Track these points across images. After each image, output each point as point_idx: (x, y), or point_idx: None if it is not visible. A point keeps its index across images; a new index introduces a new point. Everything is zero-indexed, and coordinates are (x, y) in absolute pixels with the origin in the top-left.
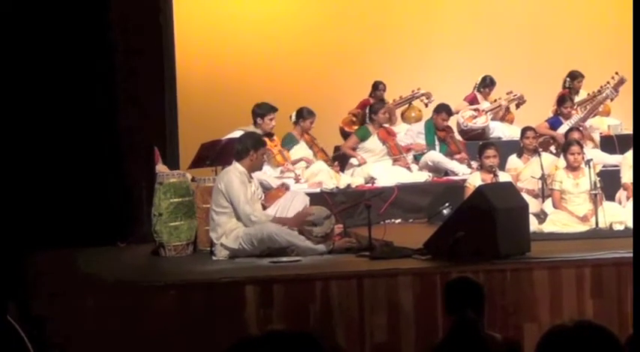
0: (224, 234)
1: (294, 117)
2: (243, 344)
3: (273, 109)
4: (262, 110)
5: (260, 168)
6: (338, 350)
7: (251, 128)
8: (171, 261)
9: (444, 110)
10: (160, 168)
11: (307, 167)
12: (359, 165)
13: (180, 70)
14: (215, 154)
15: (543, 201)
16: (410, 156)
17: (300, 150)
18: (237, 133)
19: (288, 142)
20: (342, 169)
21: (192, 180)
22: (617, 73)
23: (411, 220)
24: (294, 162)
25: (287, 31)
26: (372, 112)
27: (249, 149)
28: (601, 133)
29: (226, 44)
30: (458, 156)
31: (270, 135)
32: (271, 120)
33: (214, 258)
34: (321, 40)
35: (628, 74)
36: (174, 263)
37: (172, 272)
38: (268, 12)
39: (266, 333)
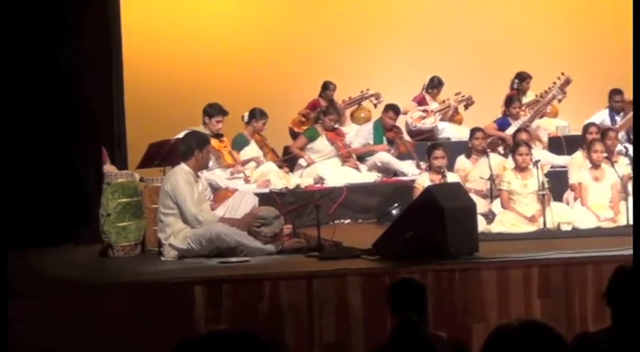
0: (172, 234)
1: (246, 118)
2: (187, 344)
3: (222, 112)
4: (212, 111)
5: (206, 167)
6: (282, 349)
7: (199, 128)
8: (119, 262)
9: (390, 109)
10: (108, 168)
11: (257, 167)
12: (307, 165)
13: (128, 70)
14: (163, 154)
15: (492, 202)
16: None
17: (251, 150)
18: (185, 133)
19: (239, 143)
20: (292, 170)
21: (141, 180)
22: (563, 74)
23: (360, 220)
24: (244, 163)
25: (236, 32)
26: (324, 114)
27: (193, 149)
28: (549, 134)
29: (175, 44)
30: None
31: (219, 135)
32: (218, 122)
33: (163, 258)
34: (271, 40)
35: (574, 74)
36: (123, 263)
37: (120, 272)
38: (217, 12)
39: (209, 333)
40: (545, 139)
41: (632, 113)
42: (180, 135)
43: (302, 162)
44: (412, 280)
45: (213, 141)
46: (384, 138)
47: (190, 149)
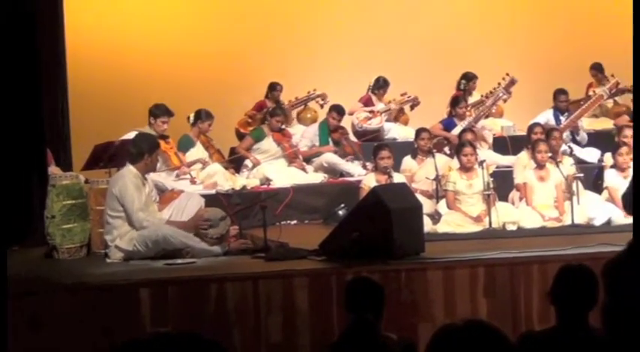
0: (119, 236)
1: (192, 119)
2: (130, 346)
3: (168, 113)
4: (158, 111)
5: (154, 170)
6: (228, 351)
7: (146, 129)
8: (64, 264)
9: (334, 110)
10: (53, 170)
11: (203, 169)
12: (253, 166)
13: (72, 71)
14: (109, 156)
15: (437, 202)
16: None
17: (197, 151)
18: (131, 134)
19: (185, 144)
20: (238, 171)
21: (86, 181)
22: (507, 74)
23: (306, 221)
24: (190, 164)
25: (182, 32)
26: (270, 115)
27: (144, 152)
28: (494, 134)
29: (119, 44)
30: (352, 157)
31: (165, 137)
32: (163, 123)
33: (108, 260)
34: (217, 40)
35: (519, 75)
36: (68, 265)
37: (66, 275)
38: (162, 13)
39: (153, 335)
40: (490, 140)
41: (577, 112)
42: (126, 136)
43: (248, 163)
44: (371, 280)
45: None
46: (330, 139)
47: (141, 152)
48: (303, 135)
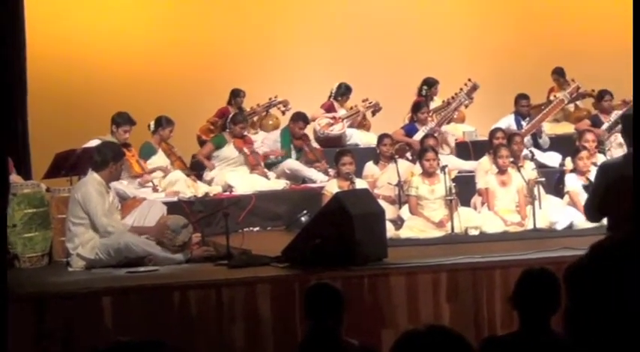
0: (80, 244)
1: (152, 126)
2: None
3: (130, 122)
4: (120, 120)
5: (118, 178)
6: None
7: (107, 137)
8: (26, 273)
9: (300, 119)
10: (14, 178)
11: (164, 176)
12: (211, 171)
13: (32, 78)
14: (70, 164)
15: (400, 207)
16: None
17: (158, 159)
18: (93, 142)
19: (147, 151)
20: (200, 178)
21: (47, 190)
22: (469, 80)
23: (269, 228)
24: (151, 172)
25: (143, 39)
26: (232, 122)
27: (109, 161)
28: (456, 139)
29: (80, 51)
30: (318, 165)
31: (127, 145)
32: (126, 132)
33: (70, 268)
34: (179, 47)
35: (481, 80)
36: (29, 274)
37: (27, 283)
38: (123, 19)
39: (114, 344)
40: (452, 144)
41: (538, 117)
42: (88, 144)
43: (209, 173)
44: (328, 285)
45: None
46: (292, 146)
47: (106, 160)
48: (264, 142)
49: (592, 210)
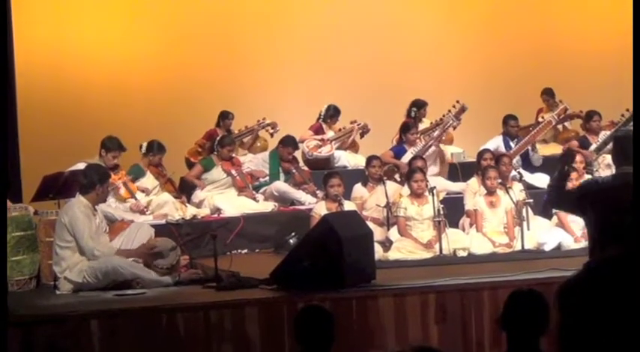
0: (68, 267)
1: (144, 149)
2: None
3: (120, 148)
4: (110, 145)
5: (104, 201)
6: None
7: (95, 160)
8: (13, 296)
9: (290, 144)
10: None
11: (147, 195)
12: (202, 190)
13: (22, 101)
14: (58, 187)
15: (388, 229)
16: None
17: (147, 181)
18: (80, 165)
19: (136, 173)
20: (189, 200)
21: (35, 213)
22: (458, 102)
23: (257, 250)
24: (142, 190)
25: (133, 60)
26: (219, 145)
27: (95, 183)
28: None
29: (70, 73)
30: (306, 187)
31: (115, 166)
32: (114, 157)
33: (58, 292)
34: (168, 68)
35: (469, 102)
36: (17, 298)
37: (15, 307)
38: (112, 40)
39: None
40: (449, 156)
41: (527, 138)
42: (75, 167)
43: (199, 193)
44: (320, 308)
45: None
46: (280, 168)
47: (92, 183)
48: (252, 161)
49: (556, 197)
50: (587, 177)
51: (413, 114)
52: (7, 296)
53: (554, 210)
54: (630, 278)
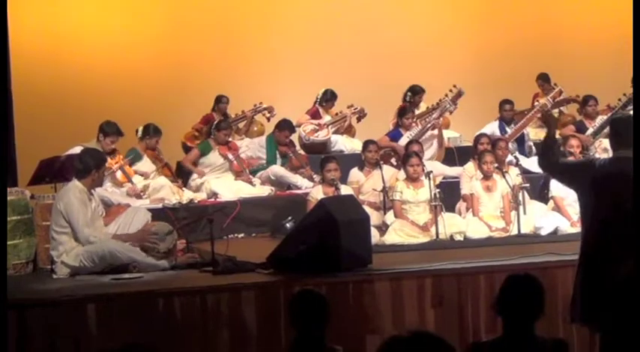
0: (65, 251)
1: (140, 133)
2: None
3: (118, 133)
4: (108, 129)
5: (101, 185)
6: None
7: (92, 144)
8: (10, 280)
9: (286, 128)
10: None
11: (146, 178)
12: (200, 178)
13: (17, 85)
14: (54, 171)
15: (385, 213)
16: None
17: (144, 165)
18: (77, 149)
19: (133, 158)
20: (185, 184)
21: (32, 197)
22: (454, 86)
23: (254, 234)
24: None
25: (129, 45)
26: (216, 129)
27: (91, 168)
28: None
29: (66, 58)
30: (302, 171)
31: (113, 150)
32: (112, 142)
33: (55, 276)
34: (164, 53)
35: (465, 86)
36: (14, 282)
37: (11, 291)
38: (109, 25)
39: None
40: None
41: (522, 121)
42: (71, 151)
43: (195, 176)
44: (313, 292)
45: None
46: (277, 152)
47: (88, 168)
48: (248, 147)
49: (549, 159)
50: None
51: (408, 99)
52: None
53: (550, 195)
54: None
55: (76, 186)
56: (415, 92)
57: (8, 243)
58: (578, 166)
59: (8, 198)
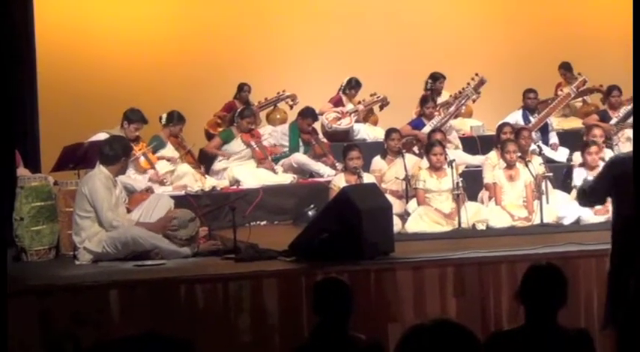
0: (87, 237)
1: (164, 120)
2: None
3: (143, 120)
4: (133, 117)
5: (124, 173)
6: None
7: (115, 130)
8: (33, 266)
9: (309, 116)
10: (22, 171)
11: (172, 163)
12: (223, 168)
13: (42, 72)
14: (78, 157)
15: (407, 202)
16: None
17: (167, 152)
18: (100, 136)
19: (156, 145)
20: (208, 172)
21: (55, 183)
22: (477, 74)
23: (276, 222)
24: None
25: (152, 33)
26: (239, 116)
27: (120, 156)
28: (463, 134)
29: (89, 45)
30: (325, 159)
31: (136, 138)
32: (136, 129)
33: (77, 262)
34: (186, 41)
35: (489, 75)
36: (37, 268)
37: (34, 277)
38: (133, 13)
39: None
40: (457, 142)
41: (545, 111)
42: (95, 137)
43: (218, 164)
44: (337, 279)
45: None
46: (300, 140)
47: (117, 155)
48: (271, 134)
49: (584, 195)
50: (607, 151)
51: (429, 86)
52: (27, 267)
53: (573, 184)
54: None
55: (101, 171)
56: (435, 78)
57: (31, 228)
58: (604, 184)
59: (32, 184)
